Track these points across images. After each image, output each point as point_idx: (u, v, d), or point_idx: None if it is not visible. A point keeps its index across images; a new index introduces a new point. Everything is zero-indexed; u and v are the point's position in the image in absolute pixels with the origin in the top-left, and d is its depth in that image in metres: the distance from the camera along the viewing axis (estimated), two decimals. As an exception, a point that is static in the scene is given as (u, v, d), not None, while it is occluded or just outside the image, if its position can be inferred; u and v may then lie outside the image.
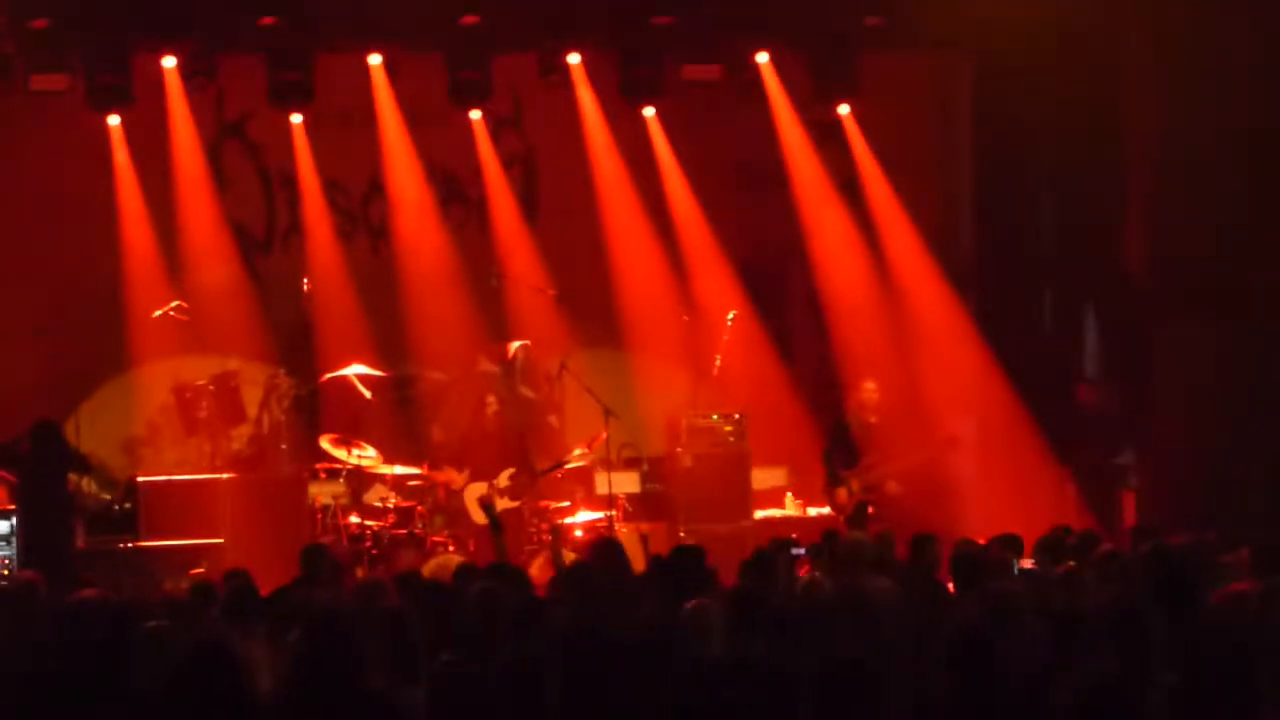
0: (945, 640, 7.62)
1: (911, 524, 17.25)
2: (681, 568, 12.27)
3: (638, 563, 15.22)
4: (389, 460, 19.31)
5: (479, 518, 19.20)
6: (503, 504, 19.25)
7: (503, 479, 19.39)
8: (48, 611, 10.33)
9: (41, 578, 13.34)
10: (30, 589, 12.93)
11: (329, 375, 20.10)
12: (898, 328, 21.46)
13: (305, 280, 20.98)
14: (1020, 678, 7.66)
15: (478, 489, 19.29)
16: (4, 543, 17.61)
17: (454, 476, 19.61)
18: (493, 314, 21.18)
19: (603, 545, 13.51)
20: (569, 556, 16.70)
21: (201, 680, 7.63)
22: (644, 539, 18.25)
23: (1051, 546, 13.90)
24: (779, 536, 15.84)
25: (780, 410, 21.21)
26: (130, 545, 18.84)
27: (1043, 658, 8.82)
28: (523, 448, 19.90)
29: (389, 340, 20.98)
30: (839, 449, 20.08)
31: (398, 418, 20.75)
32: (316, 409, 20.52)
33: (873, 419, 20.19)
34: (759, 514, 20.12)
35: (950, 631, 7.62)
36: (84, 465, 19.21)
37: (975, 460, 20.66)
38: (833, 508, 19.84)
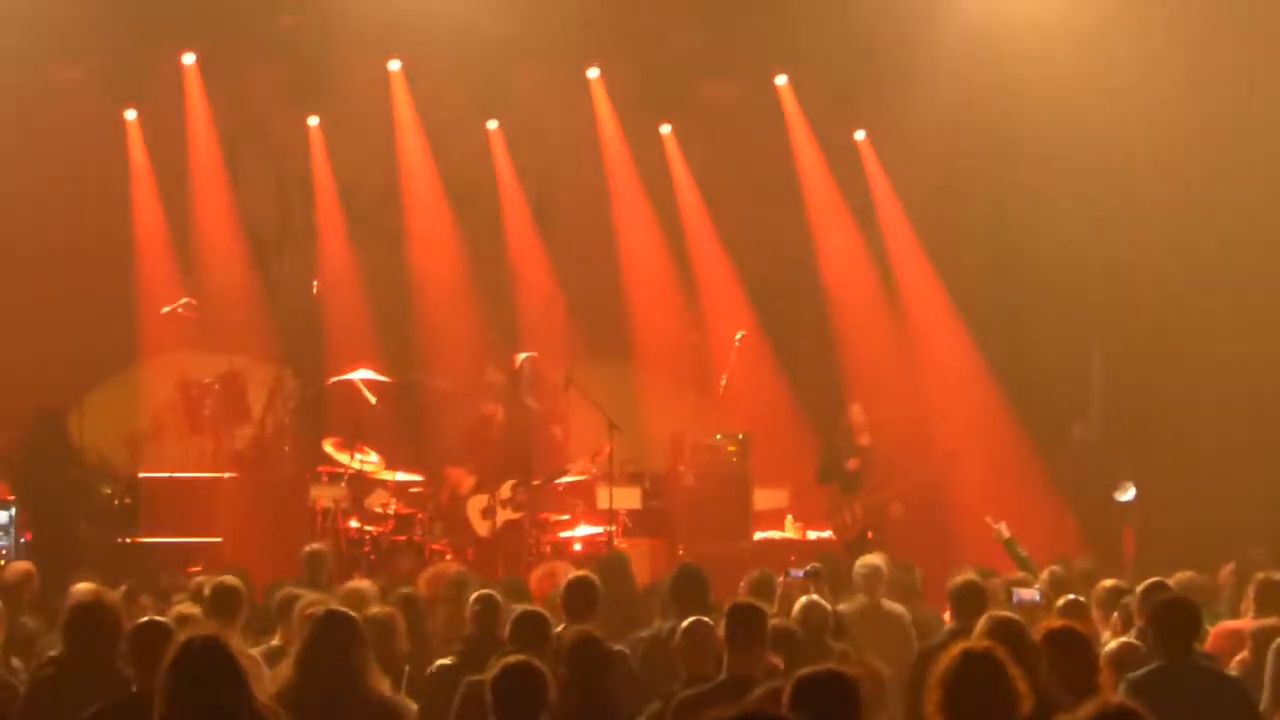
0: (946, 668, 7.56)
1: (911, 550, 17.21)
2: (681, 585, 12.22)
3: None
4: (392, 466, 19.28)
5: (480, 528, 19.18)
6: (504, 515, 19.21)
7: (505, 490, 19.33)
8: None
9: (35, 569, 13.37)
10: (25, 579, 12.95)
11: (335, 379, 20.04)
12: (905, 352, 21.43)
13: (315, 282, 20.96)
14: (1017, 707, 7.61)
15: (480, 500, 19.27)
16: (1, 533, 17.56)
17: (463, 478, 19.53)
18: (502, 324, 21.15)
19: (608, 560, 13.43)
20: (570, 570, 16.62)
21: (194, 677, 7.51)
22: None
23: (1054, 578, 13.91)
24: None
25: (785, 431, 21.14)
26: (129, 540, 18.80)
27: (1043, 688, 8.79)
28: (525, 459, 19.83)
29: (397, 346, 20.97)
30: (831, 472, 19.94)
31: (402, 424, 20.67)
32: (322, 412, 20.46)
33: (864, 441, 20.05)
34: (759, 535, 20.03)
35: (953, 660, 7.56)
36: (83, 459, 19.22)
37: (976, 488, 20.56)
38: (835, 531, 19.71)
